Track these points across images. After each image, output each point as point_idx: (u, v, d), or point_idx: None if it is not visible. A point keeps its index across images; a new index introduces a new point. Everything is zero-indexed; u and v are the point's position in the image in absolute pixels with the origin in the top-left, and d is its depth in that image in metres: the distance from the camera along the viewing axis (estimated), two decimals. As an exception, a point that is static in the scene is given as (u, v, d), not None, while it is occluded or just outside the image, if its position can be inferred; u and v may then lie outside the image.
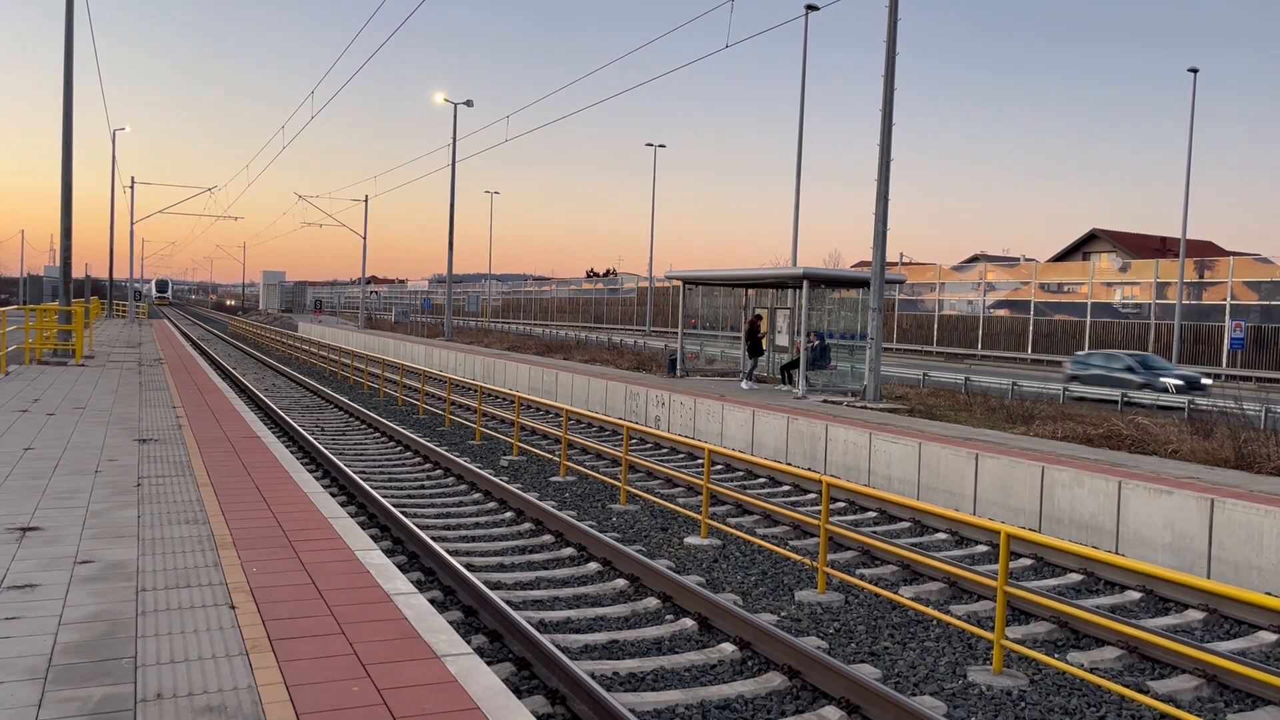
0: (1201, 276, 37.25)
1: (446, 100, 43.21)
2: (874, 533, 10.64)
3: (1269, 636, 7.59)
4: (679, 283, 24.90)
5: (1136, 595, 8.57)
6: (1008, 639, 6.62)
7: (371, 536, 9.12)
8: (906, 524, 11.19)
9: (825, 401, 17.91)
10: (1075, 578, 9.07)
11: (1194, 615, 8.06)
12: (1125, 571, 8.83)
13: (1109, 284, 42.12)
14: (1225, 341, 33.50)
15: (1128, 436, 14.02)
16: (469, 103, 43.18)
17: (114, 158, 54.04)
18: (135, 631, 4.62)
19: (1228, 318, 34.19)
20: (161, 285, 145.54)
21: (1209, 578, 9.21)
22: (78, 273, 67.89)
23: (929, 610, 7.20)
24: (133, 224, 59.65)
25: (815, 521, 8.86)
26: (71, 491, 7.68)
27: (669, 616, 7.55)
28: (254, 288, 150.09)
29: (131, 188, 58.94)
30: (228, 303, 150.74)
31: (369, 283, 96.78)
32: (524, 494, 11.26)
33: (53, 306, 23.22)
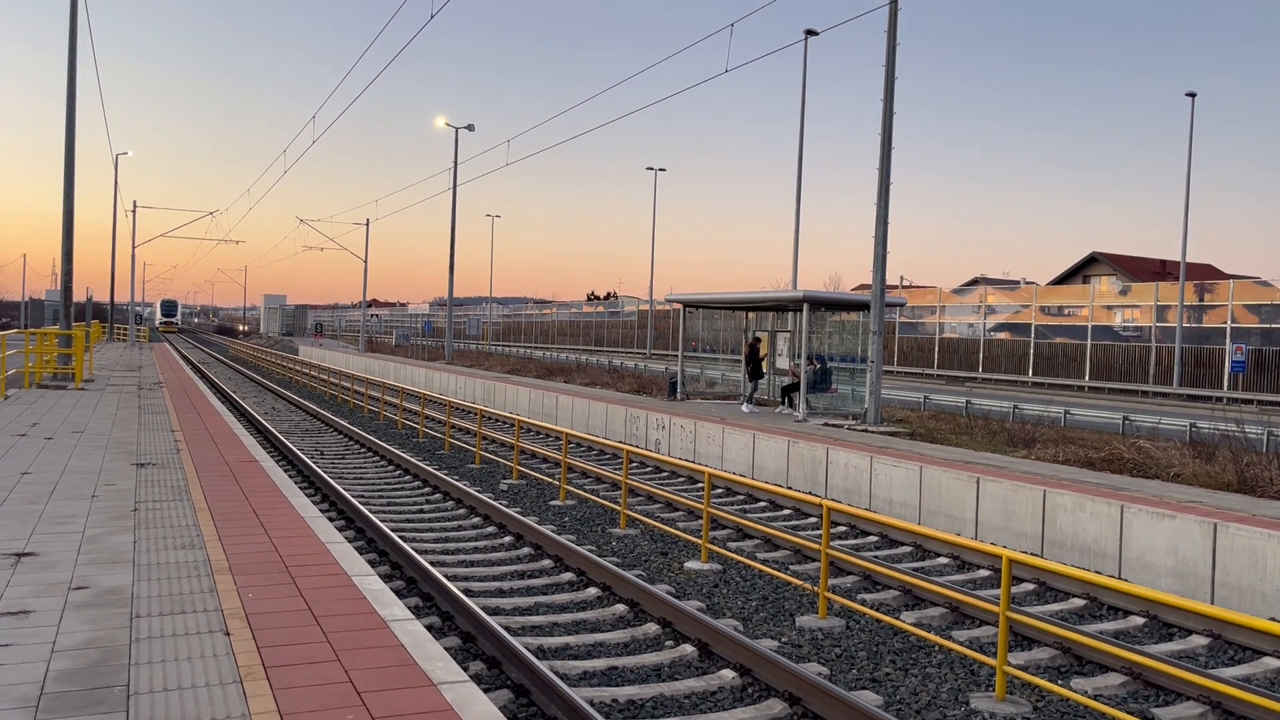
0: (1202, 299, 37.24)
1: (448, 124, 43.45)
2: (875, 557, 10.57)
3: (1274, 663, 7.52)
4: (679, 305, 24.92)
5: (1140, 620, 8.50)
6: (1010, 665, 6.56)
7: (369, 562, 9.07)
8: (908, 548, 11.12)
9: (826, 424, 17.87)
10: (1078, 603, 9.01)
11: (1198, 641, 7.99)
12: (1128, 597, 8.76)
13: (1109, 307, 42.12)
14: (1226, 365, 33.45)
15: (1129, 460, 13.97)
16: (470, 127, 43.39)
17: (116, 182, 54.33)
18: (129, 659, 4.58)
19: (1228, 341, 34.16)
20: (169, 307, 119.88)
21: (1212, 603, 9.15)
22: (79, 296, 67.98)
23: (931, 636, 7.14)
24: (134, 248, 59.86)
25: (816, 546, 8.81)
26: (68, 516, 7.64)
27: (669, 642, 7.49)
28: (255, 311, 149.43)
29: (133, 212, 59.20)
30: (241, 328, 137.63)
31: (370, 306, 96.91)
32: (523, 518, 11.21)
33: (53, 330, 23.24)
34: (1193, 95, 37.15)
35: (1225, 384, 33.31)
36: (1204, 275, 51.18)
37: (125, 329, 63.13)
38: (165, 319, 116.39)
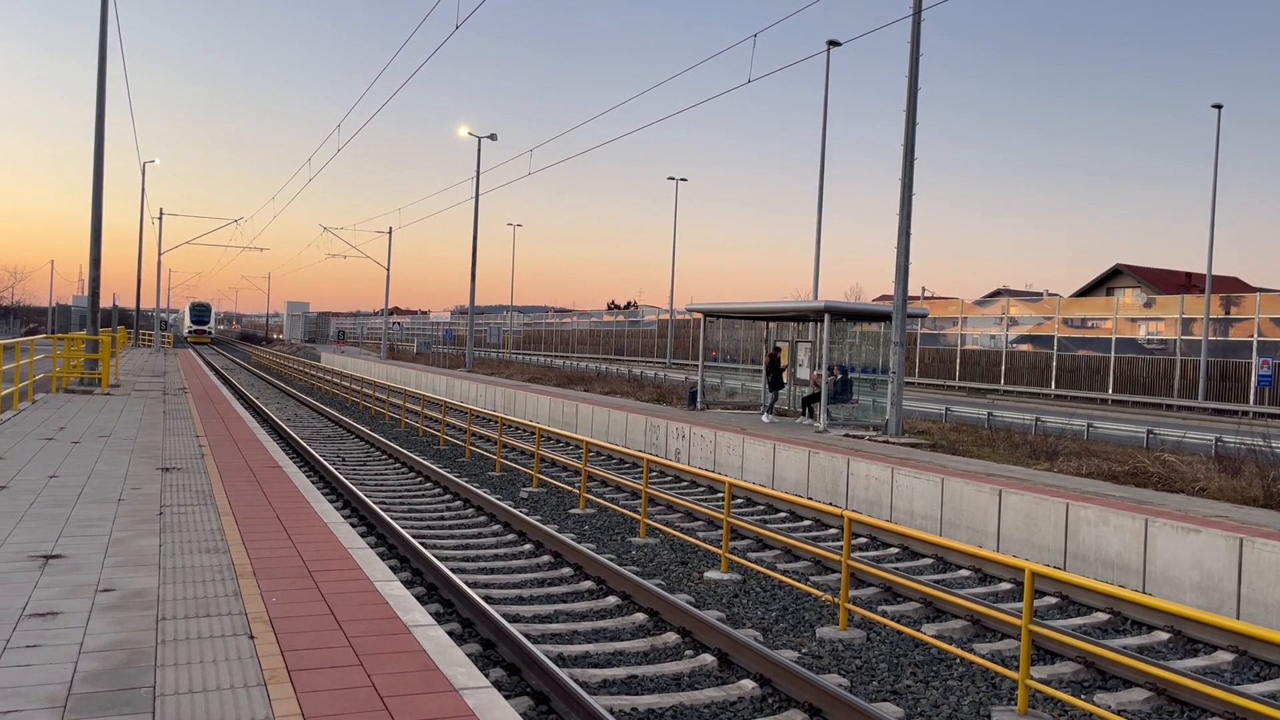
0: (1228, 312, 36.89)
1: (471, 134, 43.67)
2: (896, 569, 10.53)
3: (1301, 680, 7.43)
4: (700, 315, 24.92)
5: (1164, 635, 8.42)
6: (1033, 679, 6.52)
7: (391, 567, 9.12)
8: (929, 560, 11.07)
9: (847, 435, 17.82)
10: (1101, 617, 8.94)
11: (1223, 657, 7.91)
12: (1153, 611, 8.69)
13: (1133, 319, 41.78)
14: (1252, 378, 33.09)
15: (1154, 474, 13.86)
16: (493, 136, 43.61)
17: (144, 190, 54.88)
18: (155, 660, 4.62)
19: (1254, 354, 33.81)
20: (200, 311, 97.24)
21: (1238, 618, 9.05)
22: (105, 302, 68.69)
23: (952, 648, 7.10)
24: (160, 255, 60.42)
25: (837, 557, 8.78)
26: (94, 519, 7.73)
27: (689, 652, 7.49)
28: (278, 318, 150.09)
29: (160, 219, 59.79)
30: (275, 335, 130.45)
31: (392, 314, 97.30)
32: (543, 526, 11.23)
33: (80, 335, 23.49)
34: (1219, 106, 36.86)
35: (1251, 398, 32.96)
36: (1230, 288, 50.67)
37: (150, 335, 63.73)
38: (195, 325, 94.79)
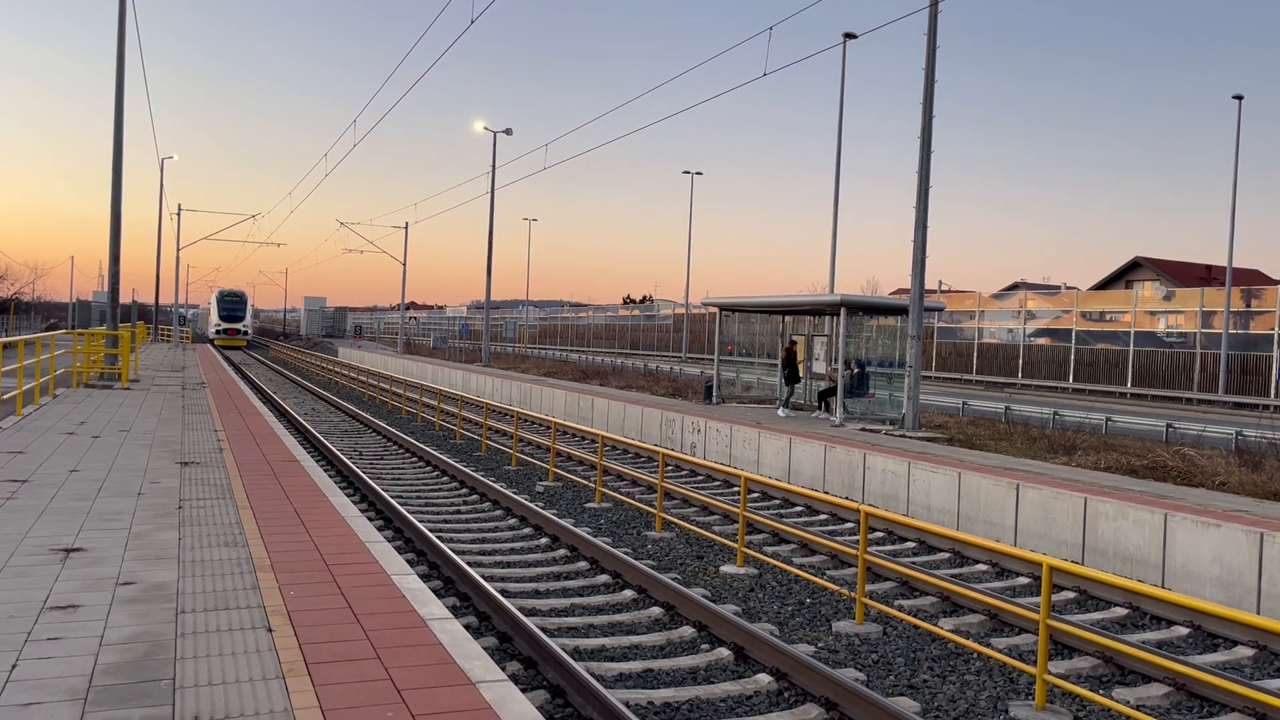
0: (1249, 305, 36.54)
1: (486, 128, 43.70)
2: (913, 563, 10.50)
3: (1323, 675, 7.37)
4: (716, 309, 24.89)
5: (1184, 631, 8.37)
6: (1050, 674, 6.49)
7: (408, 561, 9.16)
8: (946, 555, 11.03)
9: (863, 430, 17.77)
10: (1120, 612, 8.89)
11: (1243, 652, 7.86)
12: (1172, 606, 8.64)
13: (1153, 313, 41.46)
14: (1273, 372, 32.80)
15: (1173, 468, 13.77)
16: (508, 131, 43.61)
17: (162, 186, 55.26)
18: (174, 653, 4.66)
19: (1276, 347, 33.48)
20: (231, 304, 71.33)
21: (1258, 613, 8.98)
22: (124, 298, 68.92)
23: (969, 643, 7.08)
24: (178, 250, 60.84)
25: (853, 551, 8.76)
26: (115, 513, 7.79)
27: (704, 646, 7.49)
28: (295, 313, 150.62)
29: (178, 215, 60.19)
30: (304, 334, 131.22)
31: (408, 308, 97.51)
32: (559, 520, 11.26)
33: (100, 331, 23.67)
34: (1239, 97, 36.52)
35: (1272, 391, 32.65)
36: (1250, 280, 50.23)
37: (169, 330, 64.15)
38: (225, 324, 70.64)
